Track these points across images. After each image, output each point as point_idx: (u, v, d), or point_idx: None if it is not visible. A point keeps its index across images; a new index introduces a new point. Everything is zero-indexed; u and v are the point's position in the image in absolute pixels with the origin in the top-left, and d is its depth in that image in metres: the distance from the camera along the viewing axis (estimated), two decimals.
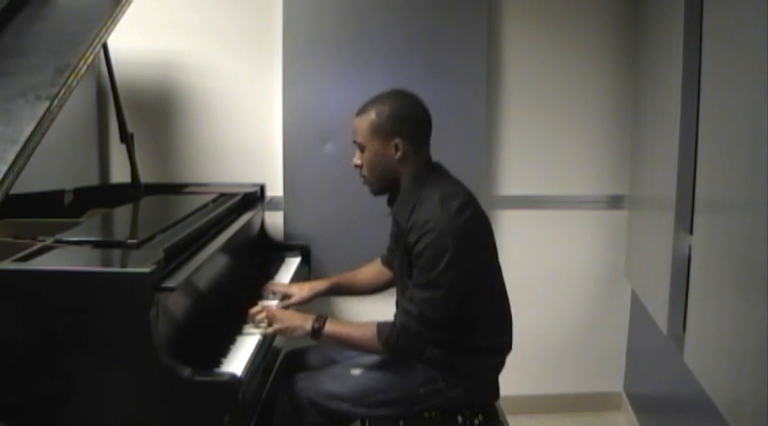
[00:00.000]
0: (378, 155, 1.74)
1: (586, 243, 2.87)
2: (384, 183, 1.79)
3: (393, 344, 1.69)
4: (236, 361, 1.60)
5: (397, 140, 1.72)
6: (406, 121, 1.74)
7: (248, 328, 1.79)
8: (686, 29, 2.03)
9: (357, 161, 1.79)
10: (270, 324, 1.78)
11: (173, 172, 2.72)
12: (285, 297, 2.04)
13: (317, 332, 1.74)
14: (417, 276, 1.68)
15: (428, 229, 1.64)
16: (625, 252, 2.83)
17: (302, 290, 2.05)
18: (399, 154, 1.73)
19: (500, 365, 1.84)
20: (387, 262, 2.05)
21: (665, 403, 2.46)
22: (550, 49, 2.76)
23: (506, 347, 1.83)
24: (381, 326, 1.71)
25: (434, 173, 1.78)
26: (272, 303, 1.99)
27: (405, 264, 1.75)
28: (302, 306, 2.04)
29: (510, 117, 2.79)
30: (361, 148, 1.76)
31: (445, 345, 1.77)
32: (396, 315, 1.72)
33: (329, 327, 1.75)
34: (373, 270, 2.09)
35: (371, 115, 1.73)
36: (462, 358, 1.77)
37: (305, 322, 1.76)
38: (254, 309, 1.83)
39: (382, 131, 1.72)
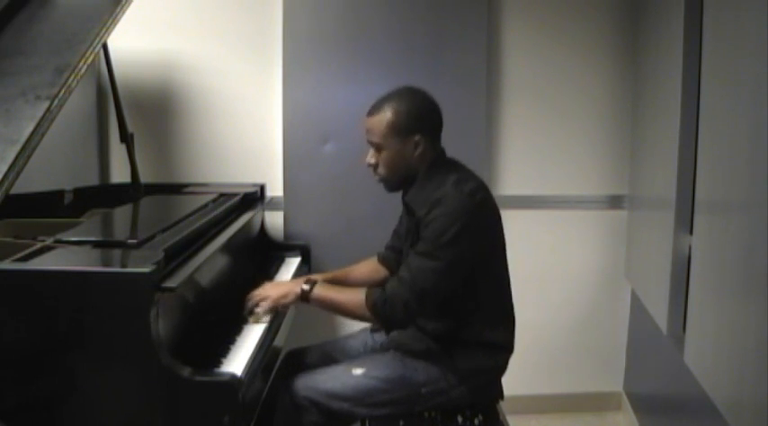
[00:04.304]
0: (398, 154, 1.74)
1: (586, 243, 2.87)
2: (403, 181, 1.80)
3: (379, 309, 1.68)
4: (236, 361, 1.60)
5: (417, 137, 1.73)
6: (424, 118, 1.76)
7: (249, 323, 1.81)
8: (686, 29, 2.03)
9: (371, 160, 1.78)
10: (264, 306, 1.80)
11: (173, 172, 2.72)
12: None
13: (306, 295, 1.75)
14: (419, 244, 1.68)
15: (440, 203, 1.66)
16: (625, 252, 2.83)
17: None
18: (419, 150, 1.74)
19: (502, 366, 1.84)
20: (383, 260, 2.06)
21: (665, 403, 2.46)
22: (550, 49, 2.76)
23: (508, 346, 1.83)
24: (370, 291, 1.71)
25: (448, 163, 1.80)
26: None
27: (414, 243, 1.74)
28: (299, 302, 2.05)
29: (510, 117, 2.79)
30: (378, 149, 1.76)
31: (443, 338, 1.77)
32: (388, 281, 1.72)
33: (318, 290, 1.76)
34: (368, 267, 2.09)
35: (388, 114, 1.72)
36: (462, 353, 1.77)
37: (294, 285, 1.78)
38: (246, 308, 1.83)
39: (401, 129, 1.72)
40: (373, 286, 2.05)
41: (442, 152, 1.82)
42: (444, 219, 1.64)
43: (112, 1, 1.87)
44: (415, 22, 2.65)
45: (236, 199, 2.34)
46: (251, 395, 1.55)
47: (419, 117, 1.74)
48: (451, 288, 1.70)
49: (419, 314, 1.72)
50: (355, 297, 1.73)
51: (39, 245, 1.54)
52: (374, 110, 1.75)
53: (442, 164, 1.78)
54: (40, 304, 1.37)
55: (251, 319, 1.82)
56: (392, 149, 1.74)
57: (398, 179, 1.79)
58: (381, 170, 1.77)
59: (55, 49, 1.69)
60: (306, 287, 1.76)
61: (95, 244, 1.58)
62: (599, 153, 2.83)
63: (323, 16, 2.64)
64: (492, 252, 1.78)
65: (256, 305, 1.82)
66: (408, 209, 1.81)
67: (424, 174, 1.77)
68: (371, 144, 1.77)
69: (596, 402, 2.96)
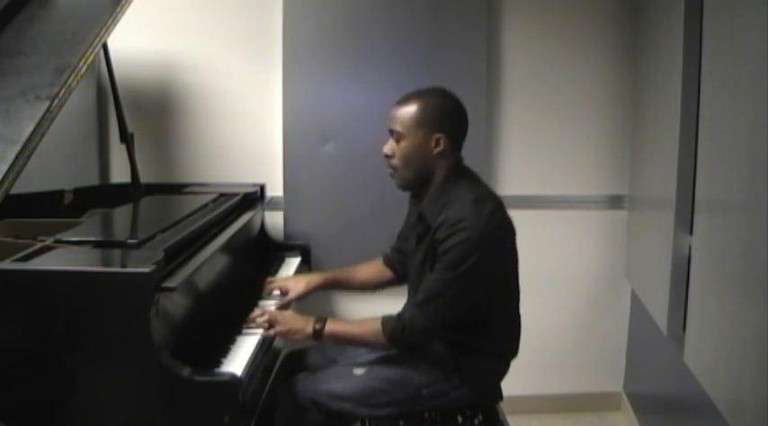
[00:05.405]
0: (417, 148, 1.71)
1: (586, 243, 2.87)
2: (416, 178, 1.75)
3: (398, 337, 1.68)
4: (236, 361, 1.60)
5: (440, 135, 1.70)
6: (451, 118, 1.73)
7: (249, 328, 1.79)
8: (686, 29, 2.03)
9: (388, 151, 1.75)
10: (271, 326, 1.78)
11: (173, 172, 2.72)
12: (283, 293, 2.03)
13: (318, 334, 1.74)
14: (438, 271, 1.66)
15: (459, 228, 1.63)
16: (625, 252, 2.83)
17: (298, 285, 2.04)
18: (439, 149, 1.71)
19: (504, 370, 1.85)
20: (389, 262, 2.05)
21: (665, 403, 2.46)
22: (550, 49, 2.76)
23: (512, 353, 1.84)
24: (386, 320, 1.70)
25: (466, 175, 1.77)
26: (272, 303, 1.99)
27: (428, 261, 1.72)
28: (300, 301, 2.05)
29: (510, 117, 2.79)
30: (399, 138, 1.72)
31: (453, 345, 1.77)
32: (404, 307, 1.72)
33: (330, 327, 1.74)
34: (374, 268, 2.08)
35: (417, 106, 1.70)
36: (468, 360, 1.77)
37: (306, 325, 1.76)
38: (255, 313, 1.83)
39: (427, 124, 1.70)
40: (378, 287, 2.06)
41: (461, 161, 1.78)
42: (465, 246, 1.62)
43: (112, 1, 1.87)
44: (414, 22, 2.65)
45: (236, 199, 2.34)
46: (251, 395, 1.55)
47: (446, 117, 1.72)
48: (469, 308, 1.69)
49: (438, 337, 1.72)
50: (370, 327, 1.71)
51: (39, 245, 1.54)
52: (404, 100, 1.73)
53: (459, 176, 1.75)
54: (39, 304, 1.37)
55: (253, 325, 1.81)
56: (413, 141, 1.70)
57: (411, 174, 1.74)
58: (396, 161, 1.74)
59: (55, 49, 1.69)
60: (317, 326, 1.74)
61: (95, 244, 1.58)
62: (599, 153, 2.82)
63: (323, 16, 2.64)
64: (508, 270, 1.78)
65: (267, 323, 1.79)
66: (421, 218, 1.77)
67: (441, 184, 1.74)
68: (393, 133, 1.73)
69: (596, 402, 2.96)
